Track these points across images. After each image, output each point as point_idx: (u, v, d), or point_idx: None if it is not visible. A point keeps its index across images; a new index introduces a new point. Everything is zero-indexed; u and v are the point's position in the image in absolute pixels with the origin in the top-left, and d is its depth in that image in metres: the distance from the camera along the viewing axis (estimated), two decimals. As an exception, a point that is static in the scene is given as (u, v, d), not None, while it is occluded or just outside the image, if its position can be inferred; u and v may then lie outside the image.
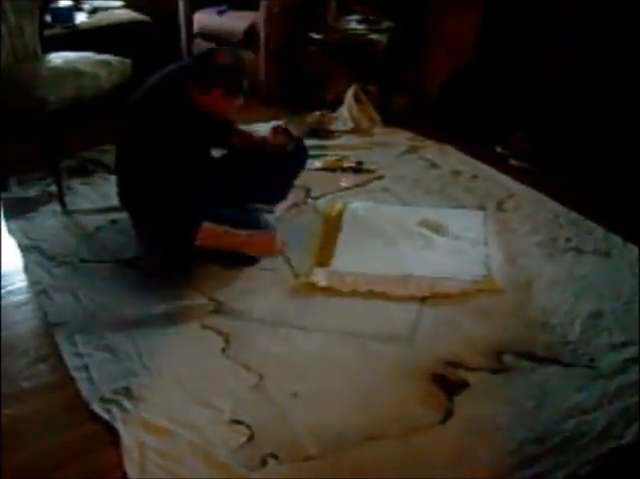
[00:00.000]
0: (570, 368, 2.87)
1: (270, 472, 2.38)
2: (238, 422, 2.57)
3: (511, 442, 2.50)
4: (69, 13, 5.30)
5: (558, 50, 4.62)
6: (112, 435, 2.52)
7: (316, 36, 5.45)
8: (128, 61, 4.50)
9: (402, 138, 5.08)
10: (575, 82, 4.60)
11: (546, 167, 4.57)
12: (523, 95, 4.84)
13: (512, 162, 4.73)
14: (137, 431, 2.52)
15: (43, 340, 3.01)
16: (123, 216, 3.74)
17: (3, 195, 4.20)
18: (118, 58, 4.47)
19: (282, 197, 3.95)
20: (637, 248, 3.69)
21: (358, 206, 4.09)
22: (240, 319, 3.12)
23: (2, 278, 3.36)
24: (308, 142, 4.38)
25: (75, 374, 2.80)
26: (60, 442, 2.53)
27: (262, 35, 5.58)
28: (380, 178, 4.47)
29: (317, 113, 5.30)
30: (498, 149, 4.87)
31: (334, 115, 5.35)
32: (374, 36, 5.33)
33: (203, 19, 5.98)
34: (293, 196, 4.06)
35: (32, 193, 4.20)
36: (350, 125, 5.22)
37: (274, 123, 4.27)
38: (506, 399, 2.70)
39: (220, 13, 5.88)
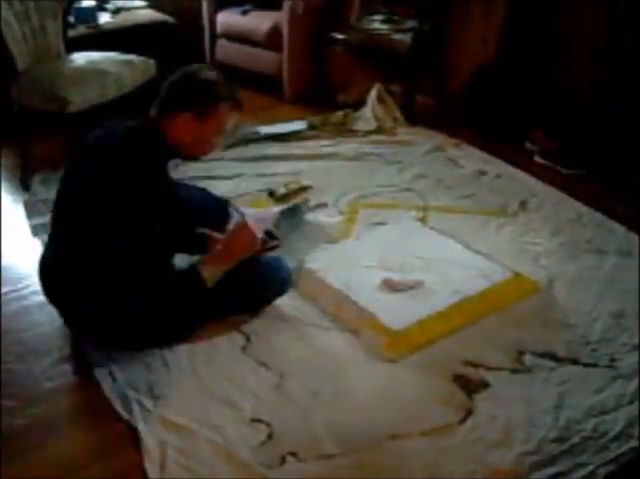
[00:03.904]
0: (591, 368, 2.86)
1: (290, 471, 2.39)
2: (258, 421, 2.58)
3: (531, 441, 2.50)
4: (92, 13, 5.35)
5: (586, 46, 4.59)
6: (134, 435, 2.54)
7: (339, 36, 5.44)
8: (151, 61, 4.53)
9: (426, 137, 5.06)
10: (603, 80, 4.58)
11: (571, 166, 4.55)
12: (548, 93, 4.82)
13: (538, 160, 4.71)
14: (157, 430, 2.54)
15: (66, 340, 3.04)
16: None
17: (26, 194, 4.25)
18: (141, 58, 4.50)
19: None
20: (660, 249, 3.67)
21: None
22: (261, 318, 3.12)
23: (26, 278, 3.39)
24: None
25: (97, 374, 2.82)
26: (83, 442, 2.57)
27: (286, 35, 5.59)
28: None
29: (340, 113, 5.30)
30: (527, 145, 4.85)
31: (357, 115, 5.35)
32: (397, 36, 5.32)
33: (227, 19, 6.00)
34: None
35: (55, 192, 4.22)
36: (374, 125, 5.21)
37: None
38: (526, 399, 2.70)
39: (244, 13, 5.89)
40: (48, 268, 2.90)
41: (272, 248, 3.38)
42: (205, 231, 3.21)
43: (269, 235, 3.36)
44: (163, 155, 2.86)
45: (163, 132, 2.81)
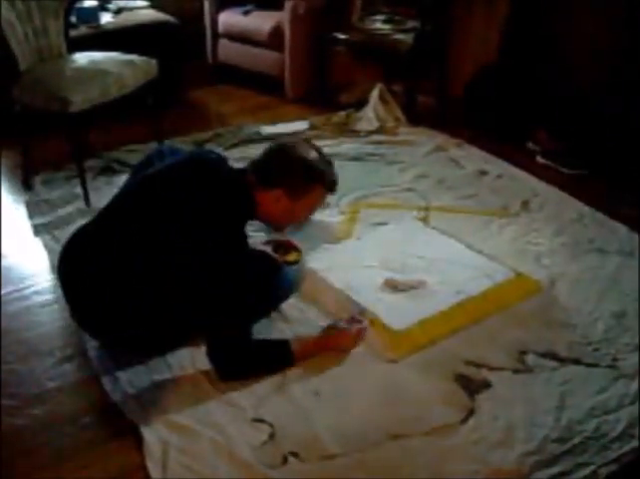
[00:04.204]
0: (592, 368, 2.86)
1: (291, 470, 2.39)
2: (260, 421, 2.58)
3: (533, 441, 2.50)
4: (94, 13, 5.35)
5: (586, 46, 4.60)
6: (136, 435, 2.54)
7: (341, 36, 5.44)
8: (153, 61, 4.52)
9: (427, 137, 5.06)
10: (604, 80, 4.58)
11: (573, 166, 4.55)
12: (550, 93, 4.82)
13: (540, 160, 4.71)
14: (159, 429, 2.54)
15: (69, 340, 3.04)
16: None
17: (28, 194, 4.25)
18: (143, 58, 4.49)
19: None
20: (662, 249, 3.67)
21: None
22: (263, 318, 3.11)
23: (28, 278, 3.40)
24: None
25: (100, 374, 2.82)
26: (85, 442, 2.56)
27: (287, 35, 5.60)
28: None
29: (342, 113, 5.31)
30: (529, 145, 4.85)
31: (359, 114, 5.35)
32: (399, 36, 5.32)
33: (229, 19, 6.00)
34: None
35: (57, 192, 4.25)
36: (375, 124, 5.21)
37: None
38: (528, 399, 2.70)
39: (246, 13, 5.89)
40: (77, 260, 2.80)
41: (293, 263, 3.37)
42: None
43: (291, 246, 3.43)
44: (249, 216, 2.87)
45: (256, 197, 2.80)
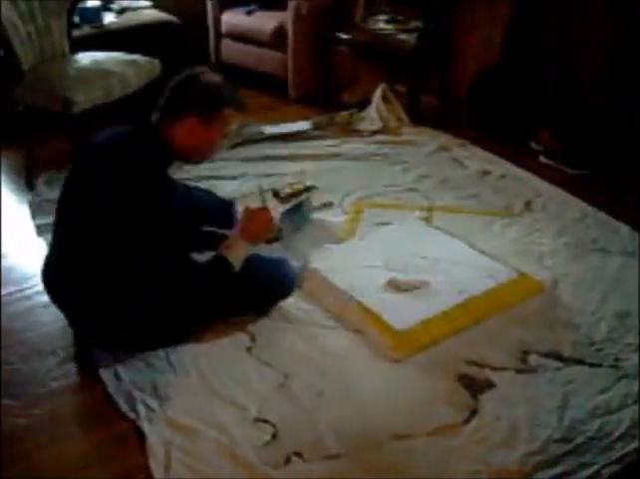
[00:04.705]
0: (595, 368, 2.86)
1: (294, 471, 2.40)
2: (263, 421, 2.59)
3: (536, 442, 2.50)
4: (97, 13, 5.37)
5: (590, 46, 4.59)
6: (139, 435, 2.54)
7: (344, 36, 5.44)
8: (156, 61, 4.53)
9: (430, 137, 5.06)
10: (606, 80, 4.58)
11: (576, 166, 4.55)
12: (553, 93, 4.82)
13: (542, 160, 4.71)
14: (162, 430, 2.55)
15: (70, 340, 3.03)
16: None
17: (31, 194, 4.25)
18: (146, 58, 4.50)
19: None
20: (665, 249, 3.66)
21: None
22: (266, 319, 3.12)
23: (31, 278, 3.40)
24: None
25: (102, 374, 2.82)
26: (87, 442, 2.58)
27: (290, 35, 5.59)
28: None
29: (345, 112, 5.30)
30: (532, 145, 4.85)
31: (362, 114, 5.35)
32: (402, 36, 5.33)
33: (232, 19, 5.99)
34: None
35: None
36: (378, 124, 5.20)
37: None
38: (531, 399, 2.70)
39: (249, 13, 5.89)
40: (51, 270, 2.89)
41: (271, 241, 3.39)
42: (216, 230, 3.23)
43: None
44: (166, 158, 2.85)
45: (167, 135, 2.79)
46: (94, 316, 2.80)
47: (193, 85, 2.83)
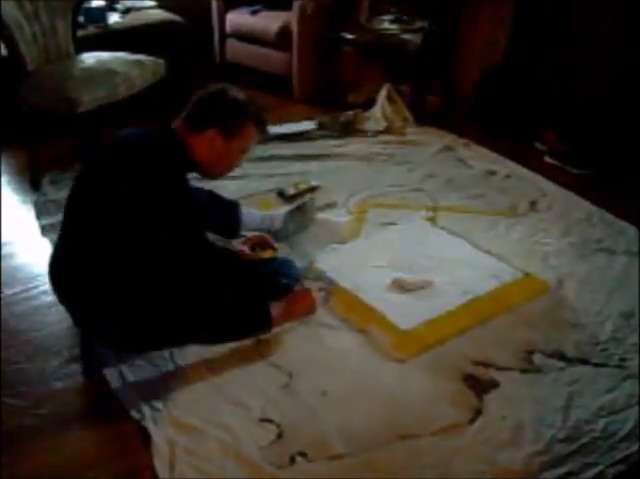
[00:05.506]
0: (600, 368, 2.86)
1: (299, 470, 2.40)
2: (268, 421, 2.59)
3: (541, 442, 2.50)
4: (102, 13, 5.37)
5: (593, 47, 4.59)
6: (144, 435, 2.54)
7: (349, 36, 5.44)
8: (161, 61, 4.53)
9: (435, 137, 5.06)
10: (609, 79, 4.58)
11: (582, 166, 4.54)
12: (558, 94, 4.81)
13: (548, 160, 4.71)
14: (167, 430, 2.55)
15: (76, 340, 3.04)
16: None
17: (36, 194, 4.26)
18: (150, 58, 4.50)
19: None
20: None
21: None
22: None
23: (36, 278, 3.40)
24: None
25: (107, 374, 2.82)
26: (92, 442, 2.58)
27: (295, 35, 5.60)
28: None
29: (350, 112, 5.30)
30: (537, 145, 4.85)
31: (367, 114, 5.35)
32: (407, 36, 5.33)
33: (236, 19, 6.00)
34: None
35: (65, 193, 4.21)
36: (383, 124, 5.20)
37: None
38: (536, 399, 2.70)
39: (254, 13, 5.89)
40: (59, 269, 2.86)
41: (269, 260, 3.36)
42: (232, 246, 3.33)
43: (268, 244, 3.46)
44: (186, 167, 2.86)
45: (189, 145, 2.81)
46: (102, 316, 2.77)
47: (218, 98, 2.87)
